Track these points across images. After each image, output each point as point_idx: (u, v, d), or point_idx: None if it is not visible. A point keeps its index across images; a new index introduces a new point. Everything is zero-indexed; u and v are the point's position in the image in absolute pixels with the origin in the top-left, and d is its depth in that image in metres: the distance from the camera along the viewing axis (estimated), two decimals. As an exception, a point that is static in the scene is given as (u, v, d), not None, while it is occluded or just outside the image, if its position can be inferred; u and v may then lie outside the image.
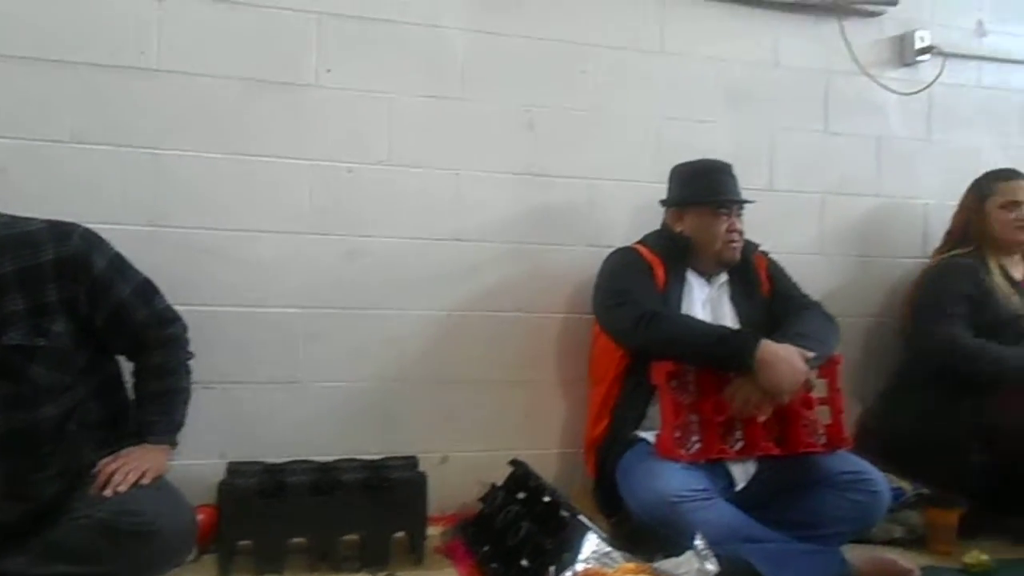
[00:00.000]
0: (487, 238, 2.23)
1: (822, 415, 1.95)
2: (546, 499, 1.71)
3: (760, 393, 1.79)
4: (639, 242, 2.10)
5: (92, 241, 1.61)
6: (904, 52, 2.59)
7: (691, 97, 2.40)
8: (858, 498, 1.83)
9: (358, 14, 2.14)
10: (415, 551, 1.82)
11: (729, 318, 2.04)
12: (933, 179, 2.55)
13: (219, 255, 2.05)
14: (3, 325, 1.50)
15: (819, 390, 1.95)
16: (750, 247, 2.12)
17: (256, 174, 2.07)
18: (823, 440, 1.92)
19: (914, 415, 2.30)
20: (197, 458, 1.98)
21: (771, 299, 2.10)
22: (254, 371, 2.07)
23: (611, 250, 2.11)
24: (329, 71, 2.13)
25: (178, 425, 1.76)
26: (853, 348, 2.51)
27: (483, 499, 1.96)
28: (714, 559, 1.37)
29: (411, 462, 1.95)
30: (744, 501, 1.84)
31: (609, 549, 1.48)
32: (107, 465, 1.55)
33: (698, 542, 1.41)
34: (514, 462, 1.99)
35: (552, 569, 1.25)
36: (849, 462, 1.88)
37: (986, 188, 2.39)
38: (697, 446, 1.85)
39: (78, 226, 1.60)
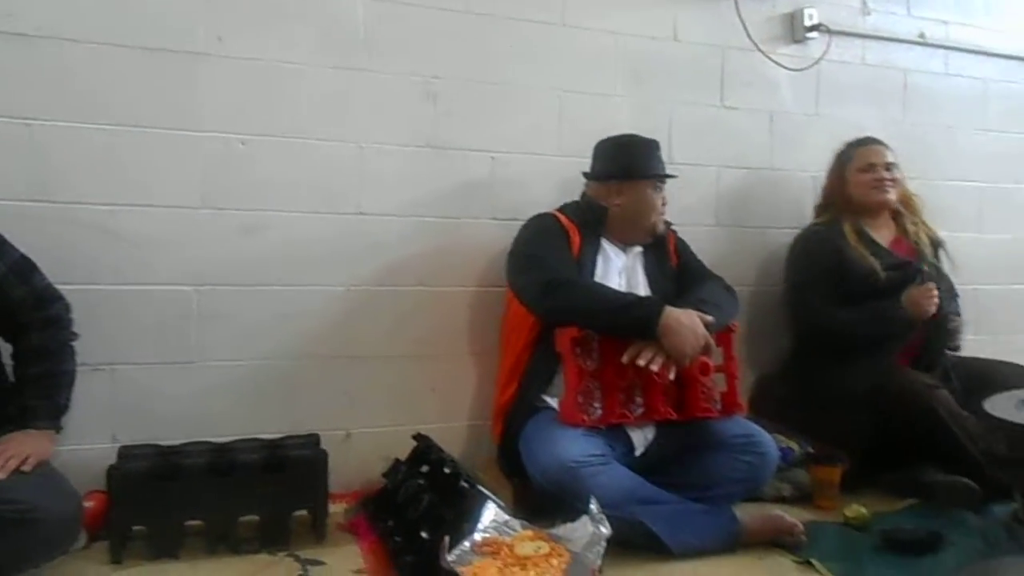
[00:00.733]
0: (390, 212, 2.20)
1: (718, 382, 2.02)
2: (447, 471, 1.71)
3: (663, 355, 1.83)
4: (558, 209, 2.11)
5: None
6: (795, 29, 2.66)
7: (592, 70, 2.41)
8: (748, 459, 1.91)
9: (252, -22, 2.06)
10: (317, 529, 1.80)
11: (643, 287, 2.08)
12: (821, 152, 2.62)
13: (106, 231, 1.95)
14: None
15: (715, 357, 2.01)
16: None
17: (144, 146, 1.98)
18: (719, 406, 1.99)
19: (803, 382, 2.42)
20: (88, 442, 1.92)
21: (678, 272, 2.15)
22: (145, 351, 1.99)
23: (517, 224, 2.10)
24: (221, 39, 2.04)
25: (62, 409, 1.69)
26: (749, 317, 2.60)
27: (386, 474, 1.94)
28: (608, 522, 1.40)
29: (312, 440, 1.92)
30: (643, 466, 1.89)
31: (508, 517, 1.49)
32: (-14, 452, 1.48)
33: (593, 506, 1.44)
34: (417, 436, 1.98)
35: (447, 539, 1.25)
36: (741, 426, 1.96)
37: (846, 155, 2.50)
38: (599, 412, 1.88)
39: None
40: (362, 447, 2.16)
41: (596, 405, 1.88)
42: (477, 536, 1.42)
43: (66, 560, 1.62)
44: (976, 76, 2.94)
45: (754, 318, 2.62)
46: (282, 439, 1.92)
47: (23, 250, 1.70)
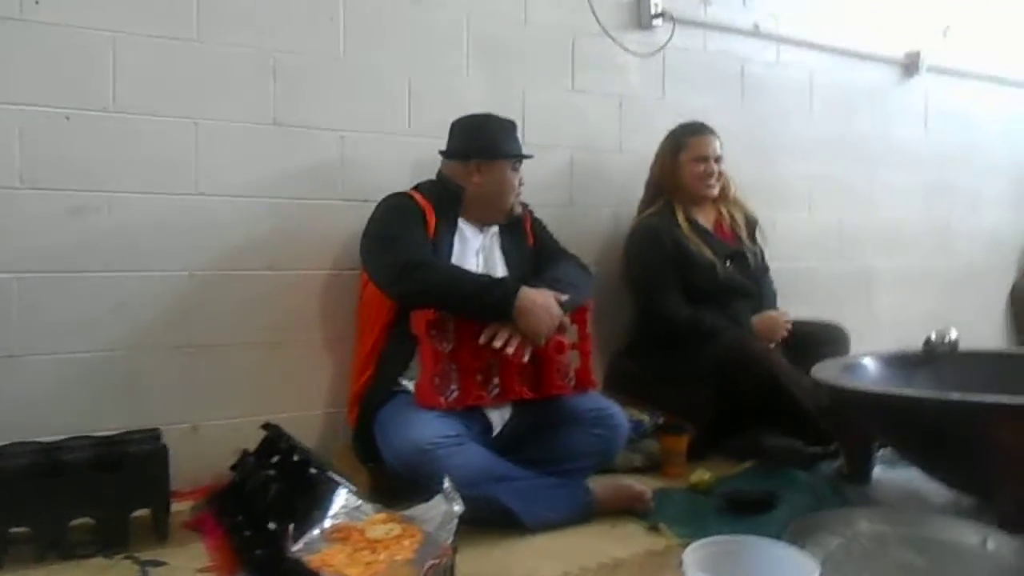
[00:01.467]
0: (232, 193, 2.09)
1: (572, 359, 2.05)
2: (296, 458, 1.65)
3: (518, 336, 1.84)
4: (413, 188, 2.07)
5: None
6: (641, 16, 2.74)
7: (443, 50, 2.39)
8: (600, 432, 1.96)
9: (67, -63, 1.89)
10: (158, 529, 1.69)
11: (500, 267, 2.08)
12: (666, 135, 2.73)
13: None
14: None
15: (571, 335, 2.04)
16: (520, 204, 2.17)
17: (-51, 120, 1.79)
18: (573, 383, 2.02)
19: (653, 358, 2.52)
20: None
21: (535, 252, 2.17)
22: (-43, 347, 1.81)
23: (369, 205, 2.05)
24: (37, 2, 1.87)
25: None
26: (604, 295, 2.66)
27: (234, 467, 1.85)
28: (461, 500, 1.40)
29: (153, 435, 1.81)
30: (500, 444, 1.91)
31: (360, 502, 1.46)
32: None
33: (446, 485, 1.43)
34: (267, 425, 1.90)
35: (291, 527, 1.21)
36: (593, 400, 2.01)
37: (680, 142, 2.56)
38: (455, 393, 1.88)
39: None
40: (211, 441, 2.06)
41: (453, 387, 1.87)
42: (327, 523, 1.38)
43: None
44: (803, 66, 3.15)
45: (609, 296, 2.69)
46: (120, 435, 1.79)
47: None
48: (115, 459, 1.66)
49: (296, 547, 1.23)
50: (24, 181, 1.87)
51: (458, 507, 1.38)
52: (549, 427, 1.97)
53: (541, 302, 1.85)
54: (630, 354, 2.64)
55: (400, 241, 1.89)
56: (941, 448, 1.80)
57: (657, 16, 2.73)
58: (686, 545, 1.37)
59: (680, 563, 1.29)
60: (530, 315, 1.82)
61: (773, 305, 2.64)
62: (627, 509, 1.86)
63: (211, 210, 2.06)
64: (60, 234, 1.91)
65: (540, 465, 1.89)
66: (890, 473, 2.11)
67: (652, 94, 2.79)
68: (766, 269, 2.72)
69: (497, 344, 1.81)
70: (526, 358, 1.88)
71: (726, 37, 2.95)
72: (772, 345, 2.45)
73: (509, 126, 2.11)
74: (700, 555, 1.33)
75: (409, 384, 1.92)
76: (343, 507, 1.43)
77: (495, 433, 1.94)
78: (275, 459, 1.75)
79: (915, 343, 2.32)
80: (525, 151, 2.18)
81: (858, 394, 1.93)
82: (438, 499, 1.44)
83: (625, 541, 1.71)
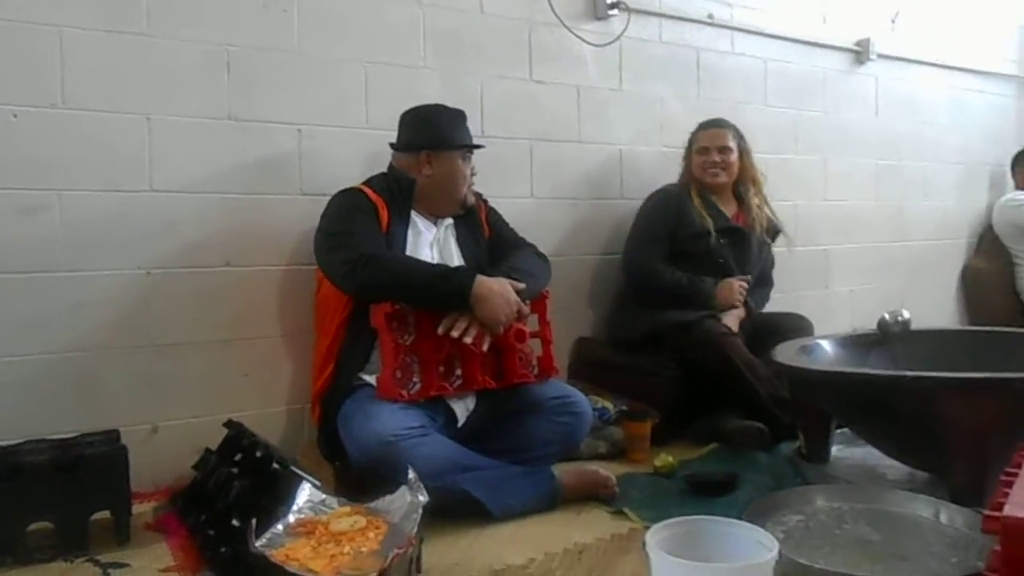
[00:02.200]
0: (187, 189, 2.06)
1: (534, 347, 2.06)
2: (259, 455, 1.63)
3: (477, 325, 1.84)
4: (364, 183, 2.06)
5: None
6: (596, 6, 2.75)
7: (399, 42, 2.37)
8: (565, 420, 1.97)
9: (9, -71, 1.84)
10: (120, 531, 1.66)
11: (456, 259, 2.07)
12: (624, 125, 2.75)
13: None
14: None
15: (531, 324, 2.05)
16: (474, 196, 2.17)
17: None
18: (536, 371, 2.03)
19: (617, 346, 2.57)
20: None
21: (491, 242, 2.17)
22: (-96, 351, 1.76)
23: (327, 199, 2.03)
24: (-21, -3, 1.82)
25: None
26: (566, 285, 2.68)
27: (196, 466, 1.83)
28: (426, 490, 1.40)
29: (111, 436, 1.78)
30: (465, 435, 1.91)
31: (324, 497, 1.45)
32: None
33: (411, 476, 1.43)
34: (229, 423, 1.88)
35: (253, 522, 1.20)
36: (557, 388, 2.02)
37: (693, 136, 2.71)
38: (417, 386, 1.87)
39: None
40: (171, 441, 2.03)
41: (415, 379, 1.87)
42: (291, 518, 1.37)
43: None
44: (757, 56, 3.18)
45: (571, 286, 2.71)
46: (77, 438, 1.76)
47: None
48: (73, 461, 1.63)
49: (260, 542, 1.22)
50: (-29, 180, 1.83)
51: (423, 498, 1.38)
52: (513, 416, 1.97)
53: (498, 290, 1.85)
54: (595, 342, 2.67)
55: (354, 236, 1.87)
56: (895, 425, 1.84)
57: (613, 6, 2.75)
58: (649, 528, 1.38)
59: (644, 545, 1.31)
60: (488, 303, 1.83)
61: (756, 304, 2.69)
62: (592, 495, 1.87)
63: (166, 207, 2.03)
64: (11, 234, 1.87)
65: (505, 454, 1.90)
66: (847, 452, 2.15)
67: (609, 84, 2.80)
68: (767, 282, 2.80)
69: (455, 334, 1.82)
70: (485, 347, 1.88)
71: (681, 26, 2.97)
72: (735, 317, 2.52)
73: (459, 116, 2.10)
74: (663, 536, 1.35)
75: (371, 378, 1.92)
76: (307, 501, 1.42)
77: (459, 424, 1.94)
78: (237, 457, 1.74)
79: (870, 325, 2.38)
80: (486, 144, 2.18)
81: (814, 374, 1.97)
82: (403, 490, 1.44)
83: (591, 526, 1.72)
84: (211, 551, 1.51)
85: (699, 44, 3.03)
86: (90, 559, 1.59)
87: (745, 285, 2.58)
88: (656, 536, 1.34)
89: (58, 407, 1.91)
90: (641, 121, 2.72)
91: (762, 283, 2.78)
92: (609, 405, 2.32)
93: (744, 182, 2.69)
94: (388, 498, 1.45)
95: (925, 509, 1.65)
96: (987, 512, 1.15)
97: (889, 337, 2.29)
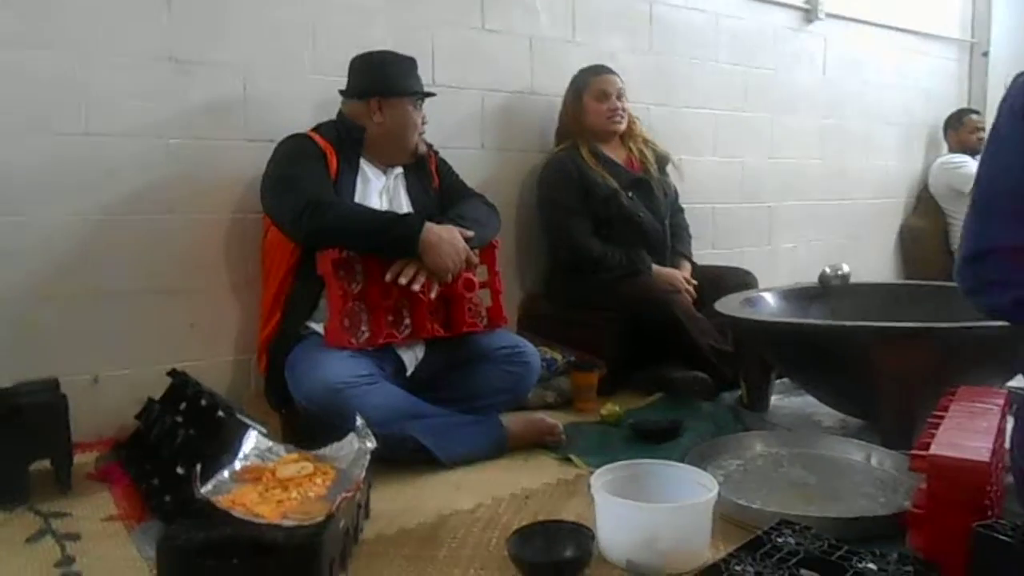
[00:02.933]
0: (126, 132, 1.98)
1: (483, 298, 2.06)
2: (204, 403, 1.61)
3: (425, 272, 1.83)
4: (313, 129, 2.01)
5: None
6: (550, -45, 2.70)
7: (347, -15, 2.30)
8: (513, 369, 1.99)
9: None
10: (61, 480, 1.63)
11: (405, 208, 2.05)
12: (578, 78, 2.72)
13: None
14: None
15: (480, 275, 2.05)
16: (425, 146, 2.13)
17: None
18: (485, 321, 2.03)
19: (564, 298, 2.57)
20: None
21: (440, 192, 2.15)
22: None
23: (272, 144, 1.98)
24: None
25: None
26: (515, 238, 2.68)
27: (140, 416, 1.80)
28: (375, 437, 1.39)
29: (50, 385, 1.72)
30: (414, 384, 1.91)
31: (271, 444, 1.43)
32: None
33: (359, 422, 1.42)
34: (172, 373, 1.85)
35: (198, 468, 1.18)
36: (505, 338, 2.03)
37: (581, 83, 2.62)
38: (366, 334, 1.86)
39: None
40: (114, 391, 1.99)
41: (363, 328, 1.86)
42: (237, 465, 1.35)
43: None
44: (708, 10, 3.17)
45: (521, 238, 2.71)
46: (15, 387, 1.70)
47: None
48: (10, 410, 1.58)
49: (205, 489, 1.21)
50: None
51: (371, 444, 1.37)
52: (462, 365, 1.98)
53: (447, 237, 1.84)
54: (544, 295, 2.67)
55: (301, 181, 1.83)
56: (831, 374, 1.90)
57: (566, -45, 2.70)
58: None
59: (589, 488, 1.34)
60: (435, 250, 1.81)
61: (687, 246, 2.72)
62: (539, 443, 1.89)
63: (103, 151, 1.95)
64: (-64, 177, 1.78)
65: (454, 403, 1.91)
66: (786, 400, 2.22)
67: (562, 36, 2.77)
68: (679, 209, 2.79)
69: (403, 281, 1.80)
70: (434, 294, 1.87)
71: (634, -22, 2.94)
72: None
73: (409, 63, 2.06)
74: (608, 479, 1.38)
75: (318, 327, 1.90)
76: (254, 449, 1.40)
77: (408, 372, 1.94)
78: (182, 406, 1.71)
79: (812, 279, 2.43)
80: (436, 92, 2.13)
81: (757, 324, 2.01)
82: (351, 438, 1.43)
83: (537, 472, 1.74)
84: (155, 500, 1.48)
85: (652, -3, 3.01)
86: (30, 508, 1.56)
87: (688, 280, 2.56)
88: (601, 479, 1.37)
89: (-6, 356, 1.85)
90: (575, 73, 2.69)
91: (678, 220, 2.77)
92: (557, 356, 2.33)
93: (628, 127, 2.67)
94: (336, 445, 1.44)
95: (857, 453, 1.72)
96: (914, 452, 1.20)
97: (829, 290, 2.35)
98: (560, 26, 2.76)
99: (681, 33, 3.10)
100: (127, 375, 2.02)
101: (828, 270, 2.38)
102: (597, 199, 2.51)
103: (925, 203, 4.12)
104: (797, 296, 2.35)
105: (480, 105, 2.59)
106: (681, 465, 1.45)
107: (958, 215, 3.90)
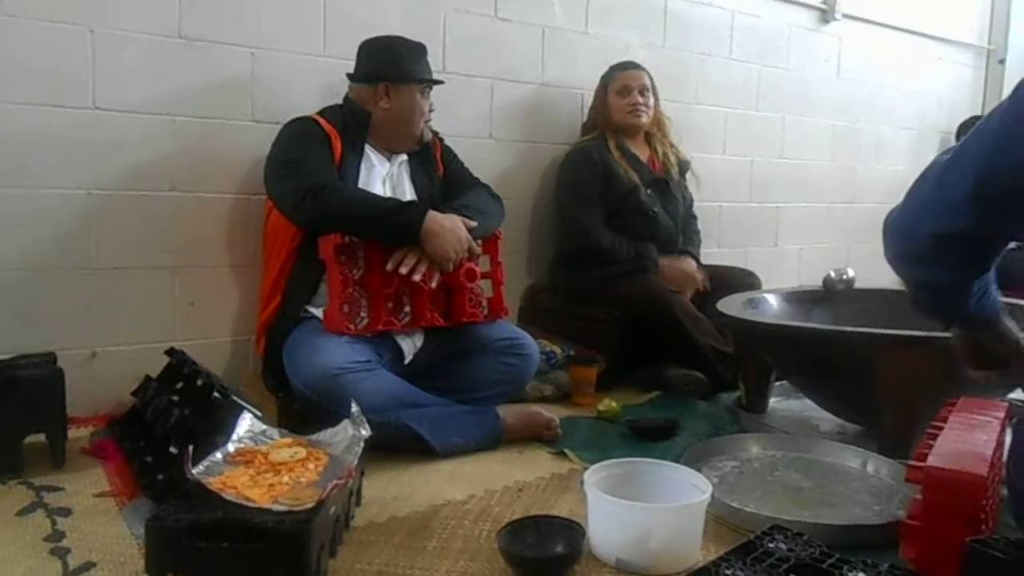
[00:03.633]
0: (134, 108, 1.97)
1: (485, 288, 2.05)
2: (200, 383, 1.60)
3: (427, 261, 1.82)
4: (318, 113, 2.00)
5: None
6: (566, -55, 2.68)
7: (361, -32, 2.28)
8: (511, 361, 1.98)
9: None
10: (55, 455, 1.63)
11: (409, 195, 2.04)
12: (590, 70, 2.70)
13: None
14: None
15: (482, 265, 2.04)
16: (431, 134, 2.12)
17: None
18: (486, 312, 2.02)
19: (568, 291, 2.57)
20: None
21: (445, 181, 2.14)
22: None
23: (279, 126, 1.97)
24: None
25: None
26: (520, 229, 2.67)
27: (136, 393, 1.80)
28: (369, 425, 1.39)
29: (47, 359, 1.73)
30: (412, 372, 1.91)
31: (265, 427, 1.43)
32: None
33: (354, 409, 1.42)
34: (170, 351, 1.85)
35: (190, 449, 1.18)
36: (505, 330, 2.02)
37: (607, 78, 2.64)
38: (365, 320, 1.85)
39: None
40: (111, 367, 1.99)
41: (362, 314, 1.85)
42: (231, 447, 1.34)
43: None
44: (725, 7, 3.15)
45: (527, 231, 2.70)
46: (12, 359, 1.70)
47: None
48: (6, 382, 1.58)
49: (197, 469, 1.20)
50: None
51: (365, 432, 1.37)
52: (461, 355, 1.98)
53: (449, 226, 1.83)
54: (547, 288, 2.67)
55: (305, 165, 1.82)
56: (831, 378, 1.89)
57: (582, -55, 2.68)
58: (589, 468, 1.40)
59: (581, 484, 1.33)
60: (438, 239, 1.80)
61: (696, 248, 2.72)
62: (535, 436, 1.88)
63: (109, 126, 1.94)
64: (-62, 147, 1.78)
65: (451, 393, 1.90)
66: (784, 403, 2.21)
67: (575, 27, 2.75)
68: (693, 216, 2.79)
69: (404, 270, 1.79)
70: (434, 284, 1.87)
71: (651, -27, 2.91)
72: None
73: (419, 49, 2.04)
74: (601, 476, 1.37)
75: (318, 311, 1.89)
76: (248, 431, 1.40)
77: (406, 360, 1.93)
78: (178, 385, 1.71)
79: (816, 282, 2.42)
80: (446, 80, 2.12)
81: (757, 326, 2.00)
82: (345, 424, 1.42)
83: (532, 466, 1.74)
84: (147, 477, 1.48)
85: (668, -9, 2.98)
86: (23, 482, 1.56)
87: (700, 274, 2.57)
88: (594, 476, 1.36)
89: (-8, 327, 1.85)
90: (605, 66, 2.65)
91: (690, 225, 2.78)
92: (557, 349, 2.33)
93: (653, 125, 2.68)
94: (330, 431, 1.43)
95: (853, 459, 1.71)
96: (911, 462, 1.19)
97: (833, 294, 2.34)
98: (573, 17, 2.74)
99: (696, 28, 3.07)
100: (125, 351, 2.02)
101: (833, 274, 2.36)
102: (616, 192, 2.51)
103: (933, 210, 4.09)
104: (800, 299, 2.34)
105: (490, 95, 2.58)
106: (675, 465, 1.45)
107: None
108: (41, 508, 1.45)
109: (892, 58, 3.83)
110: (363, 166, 1.97)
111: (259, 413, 1.46)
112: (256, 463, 1.31)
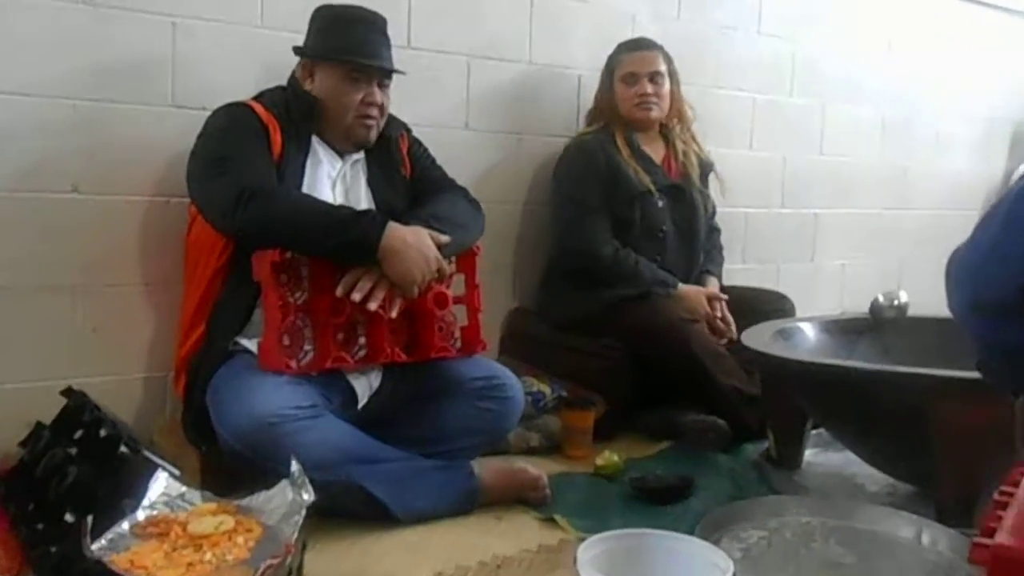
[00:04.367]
0: (24, 90, 1.95)
1: (458, 316, 2.05)
2: (103, 434, 1.60)
3: (386, 285, 1.82)
4: (255, 98, 2.00)
5: None
6: None
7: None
8: (490, 406, 1.99)
9: None
10: (-79, 520, 1.62)
11: (365, 202, 2.04)
12: (588, 47, 2.73)
13: None
14: None
15: (455, 287, 2.04)
16: (396, 126, 2.13)
17: None
18: (458, 344, 2.03)
19: (557, 316, 2.58)
20: None
21: (412, 184, 2.14)
22: None
23: (206, 113, 1.98)
24: None
25: None
26: (504, 241, 2.68)
27: (25, 443, 1.79)
28: (314, 486, 1.39)
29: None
30: (368, 418, 1.91)
31: (184, 490, 1.43)
32: None
33: (294, 468, 1.42)
34: (68, 391, 1.84)
35: (89, 519, 1.17)
36: (481, 367, 2.03)
37: (613, 61, 2.66)
38: (310, 355, 1.85)
39: None
40: (-4, 410, 1.98)
41: (306, 347, 1.85)
42: (141, 515, 1.34)
43: None
44: (753, -30, 3.19)
45: (512, 243, 2.72)
46: None
47: None
48: None
49: (98, 544, 1.20)
50: None
51: (308, 496, 1.37)
52: (428, 398, 1.98)
53: (414, 242, 1.83)
54: (534, 311, 2.68)
55: (236, 162, 1.82)
56: (880, 428, 1.90)
57: None
58: (584, 540, 1.40)
59: (575, 562, 1.33)
60: (400, 258, 1.80)
61: (717, 267, 2.74)
62: (519, 497, 1.89)
63: (-5, 112, 1.94)
64: None
65: (416, 444, 1.91)
66: (822, 457, 2.23)
67: (570, -7, 2.78)
68: (715, 228, 2.83)
69: (357, 296, 1.79)
70: (395, 312, 1.86)
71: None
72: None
73: (366, 21, 2.02)
74: (597, 552, 1.37)
75: (251, 344, 1.89)
76: (162, 495, 1.40)
77: (360, 404, 1.93)
78: (77, 434, 1.70)
79: (862, 307, 2.44)
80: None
81: (790, 363, 2.01)
82: (283, 485, 1.42)
83: (514, 535, 1.74)
84: (38, 550, 1.47)
85: (684, -49, 3.02)
86: None
87: (720, 297, 2.58)
88: (589, 551, 1.36)
89: None
90: (606, 43, 2.67)
91: (712, 240, 2.81)
92: (545, 389, 2.34)
93: (671, 117, 2.70)
94: (265, 494, 1.43)
95: (906, 528, 1.72)
96: (976, 538, 1.19)
97: (882, 323, 2.35)
98: (568, -18, 2.77)
99: (716, -1, 3.11)
100: (10, 391, 1.99)
101: (882, 298, 2.38)
102: (622, 197, 2.53)
103: (1005, 217, 4.13)
104: (842, 329, 2.35)
105: (465, 75, 2.59)
106: (689, 538, 1.45)
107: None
108: (-99, 590, 1.44)
109: (955, 33, 3.88)
110: (309, 164, 1.97)
111: (177, 472, 1.47)
112: (172, 536, 1.31)
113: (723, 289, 2.66)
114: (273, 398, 1.70)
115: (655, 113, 2.63)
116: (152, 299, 2.15)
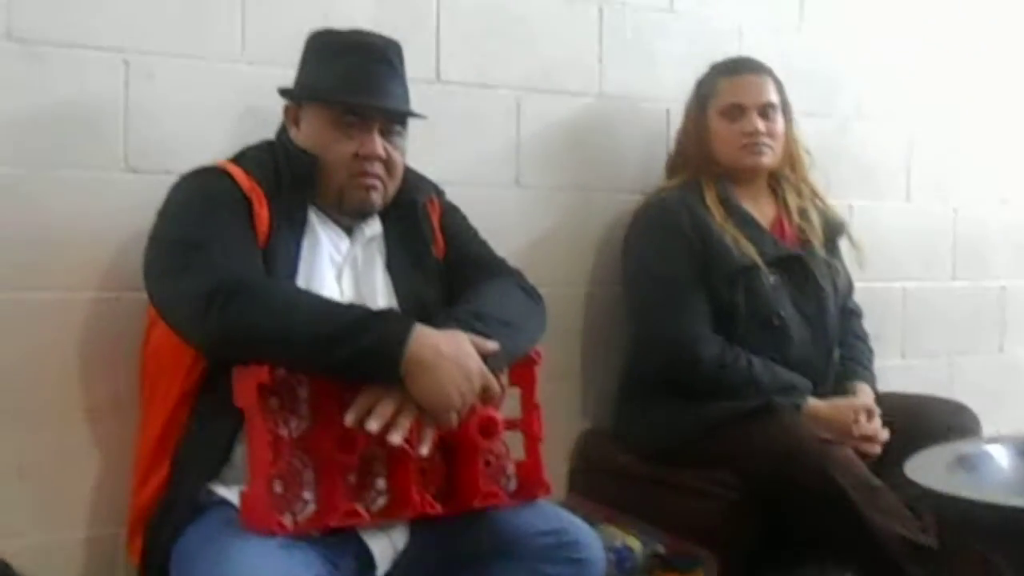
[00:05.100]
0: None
1: (512, 447, 2.04)
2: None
3: (413, 411, 1.81)
4: (233, 159, 2.03)
5: None
6: None
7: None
8: (559, 570, 1.95)
9: None
10: None
11: (383, 296, 2.06)
12: (678, 70, 2.76)
13: None
14: None
15: (509, 406, 2.03)
16: (423, 188, 2.16)
17: None
18: (513, 486, 2.02)
19: (648, 440, 2.57)
20: None
21: (447, 266, 2.16)
22: None
23: (169, 179, 2.00)
24: None
25: None
26: (569, 339, 2.68)
27: (-74, 634, 1.80)
28: None
29: None
30: (391, 595, 1.90)
31: None
32: None
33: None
34: (-14, 561, 1.86)
35: None
36: (546, 517, 2.00)
37: (707, 87, 2.68)
38: (311, 507, 1.85)
39: None
40: None
41: (306, 497, 1.84)
42: None
43: None
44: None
45: (580, 340, 2.73)
46: None
47: None
48: None
49: None
50: None
51: None
52: (474, 562, 1.96)
53: (450, 352, 1.81)
54: (613, 434, 2.65)
55: (207, 251, 1.84)
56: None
57: None
58: None
59: None
60: (432, 374, 1.78)
61: (867, 364, 2.72)
62: None
63: None
64: None
65: (458, 629, 1.90)
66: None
67: (654, 4, 2.82)
68: (855, 312, 2.82)
69: (374, 427, 1.77)
70: (425, 450, 1.85)
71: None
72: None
73: (366, 47, 2.06)
74: None
75: (230, 493, 1.88)
76: None
77: (380, 574, 1.91)
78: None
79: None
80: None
81: (976, 507, 1.96)
82: None
83: None
84: None
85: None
86: None
87: (873, 411, 2.54)
88: None
89: None
90: (704, 63, 2.71)
91: (852, 328, 2.80)
92: (634, 544, 2.32)
93: (783, 163, 2.72)
94: None
95: None
96: None
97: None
98: (650, -15, 2.82)
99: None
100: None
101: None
102: (719, 273, 2.53)
103: None
104: (1051, 452, 2.30)
105: (515, 115, 2.63)
106: None
107: None
108: None
109: None
110: (306, 247, 1.99)
111: None
112: None
113: (877, 398, 2.61)
114: (261, 568, 1.69)
115: (767, 159, 2.64)
116: (97, 431, 2.18)
